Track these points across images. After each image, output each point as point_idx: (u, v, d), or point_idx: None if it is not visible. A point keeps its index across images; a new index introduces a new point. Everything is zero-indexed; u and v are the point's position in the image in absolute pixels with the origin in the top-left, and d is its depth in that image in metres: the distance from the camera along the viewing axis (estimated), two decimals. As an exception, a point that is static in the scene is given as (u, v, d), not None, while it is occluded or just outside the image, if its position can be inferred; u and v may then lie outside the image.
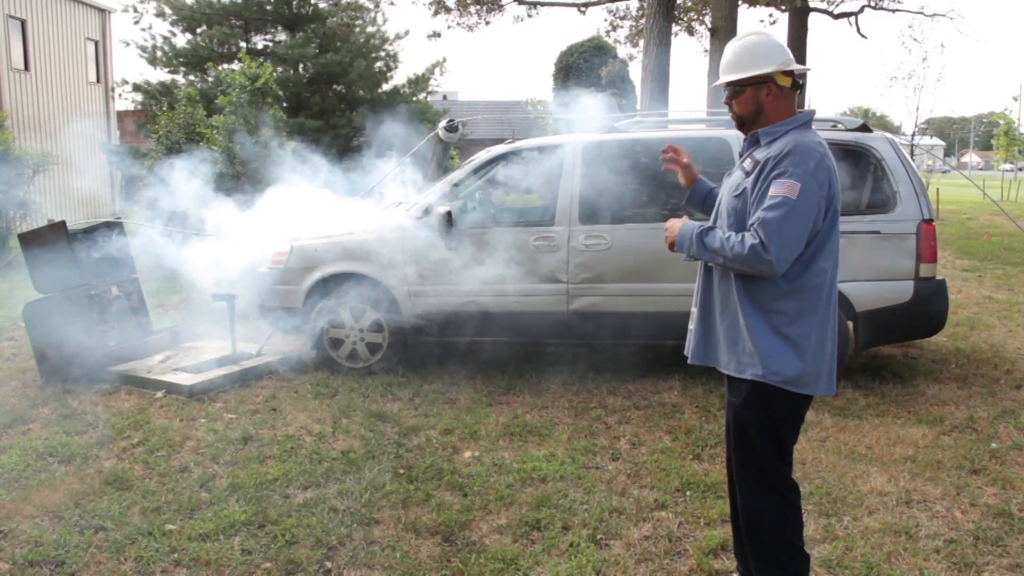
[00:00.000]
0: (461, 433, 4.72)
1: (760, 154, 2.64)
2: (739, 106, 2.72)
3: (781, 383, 2.61)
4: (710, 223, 2.80)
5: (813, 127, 2.72)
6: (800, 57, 18.69)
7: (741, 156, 2.80)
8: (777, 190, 2.51)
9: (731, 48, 2.74)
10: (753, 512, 2.76)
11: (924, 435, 4.58)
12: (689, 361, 2.88)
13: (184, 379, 5.62)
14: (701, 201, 3.10)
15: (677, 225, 2.77)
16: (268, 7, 21.84)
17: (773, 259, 2.48)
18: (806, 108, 2.87)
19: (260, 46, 22.45)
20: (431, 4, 18.66)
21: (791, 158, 2.53)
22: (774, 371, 2.60)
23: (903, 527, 3.51)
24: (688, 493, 3.87)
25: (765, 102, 2.67)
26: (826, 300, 2.64)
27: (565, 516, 3.63)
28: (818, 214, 2.54)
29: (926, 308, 5.41)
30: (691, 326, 2.90)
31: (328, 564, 3.26)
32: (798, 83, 2.72)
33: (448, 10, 18.95)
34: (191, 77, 21.43)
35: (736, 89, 2.71)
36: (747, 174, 2.65)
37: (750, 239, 2.52)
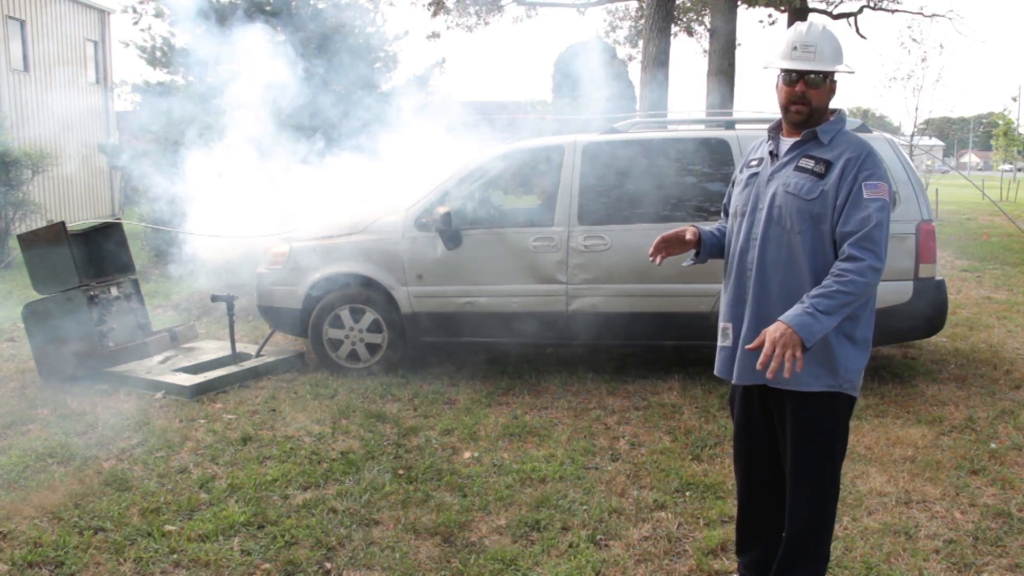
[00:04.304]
0: (460, 434, 4.72)
1: (825, 153, 2.56)
2: (819, 98, 2.57)
3: (851, 390, 2.59)
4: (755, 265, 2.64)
5: None
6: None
7: (776, 155, 2.67)
8: (873, 193, 2.47)
9: (823, 36, 2.56)
10: (808, 522, 2.68)
11: (923, 435, 4.58)
12: (735, 381, 2.74)
13: (184, 380, 5.61)
14: (713, 252, 2.92)
15: (784, 328, 2.38)
16: (267, 7, 21.81)
17: (883, 266, 2.46)
18: None
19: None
20: (430, 5, 18.66)
21: (872, 158, 2.51)
22: (848, 379, 2.58)
23: (902, 527, 3.51)
24: (688, 494, 3.87)
25: (830, 97, 2.62)
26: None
27: (564, 517, 3.63)
28: None
29: (925, 308, 5.41)
30: (723, 343, 2.77)
31: (328, 565, 3.26)
32: None
33: (447, 11, 18.95)
34: (190, 78, 21.39)
35: (819, 79, 2.55)
36: (818, 175, 2.54)
37: (864, 263, 2.43)
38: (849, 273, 2.43)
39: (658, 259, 2.84)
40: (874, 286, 2.48)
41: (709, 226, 2.97)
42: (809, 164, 2.57)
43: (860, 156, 2.52)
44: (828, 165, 2.54)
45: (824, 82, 2.56)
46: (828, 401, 2.60)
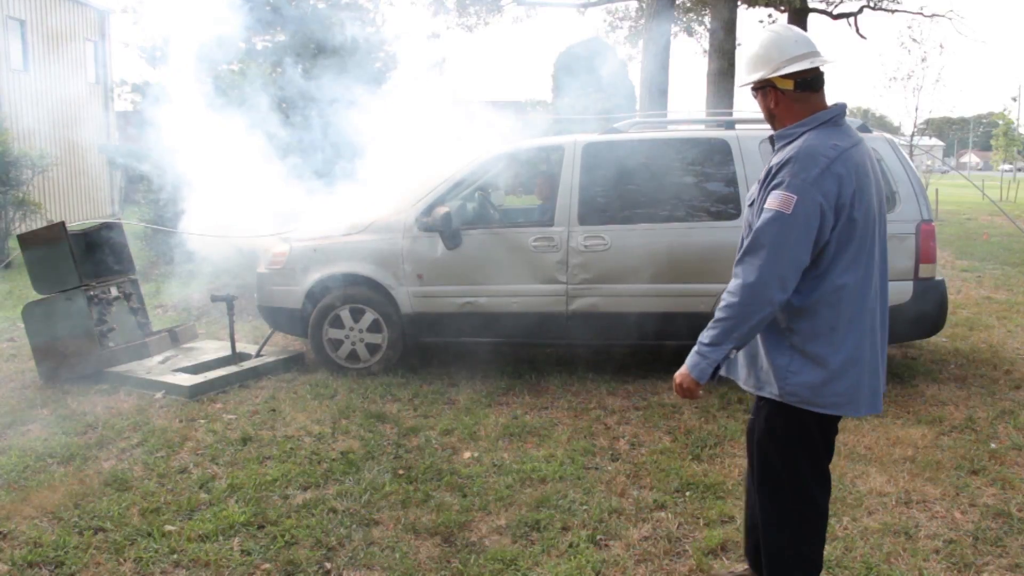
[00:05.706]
0: (460, 434, 4.72)
1: (772, 159, 2.50)
2: (761, 107, 2.61)
3: (799, 403, 2.49)
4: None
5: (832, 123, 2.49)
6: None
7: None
8: (772, 203, 2.35)
9: (743, 50, 2.67)
10: (766, 529, 2.69)
11: (923, 435, 4.58)
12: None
13: (183, 380, 5.61)
14: None
15: (681, 372, 2.56)
16: (267, 8, 21.81)
17: (760, 283, 2.34)
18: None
19: (259, 47, 22.39)
20: (430, 5, 18.67)
21: (791, 166, 2.36)
22: (790, 391, 2.49)
23: (902, 527, 3.51)
24: (687, 494, 3.87)
25: (771, 107, 2.55)
26: (853, 318, 2.44)
27: (564, 517, 3.63)
28: (823, 225, 2.34)
29: (925, 308, 5.41)
30: None
31: (327, 565, 3.26)
32: (810, 83, 2.48)
33: (447, 11, 18.96)
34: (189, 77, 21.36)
35: (752, 92, 2.61)
36: (759, 182, 2.53)
37: (735, 282, 2.39)
38: (726, 297, 2.43)
39: None
40: (753, 306, 2.36)
41: None
42: (763, 171, 2.57)
43: (781, 162, 2.40)
44: (768, 172, 2.49)
45: (755, 95, 2.61)
46: (772, 408, 2.58)
